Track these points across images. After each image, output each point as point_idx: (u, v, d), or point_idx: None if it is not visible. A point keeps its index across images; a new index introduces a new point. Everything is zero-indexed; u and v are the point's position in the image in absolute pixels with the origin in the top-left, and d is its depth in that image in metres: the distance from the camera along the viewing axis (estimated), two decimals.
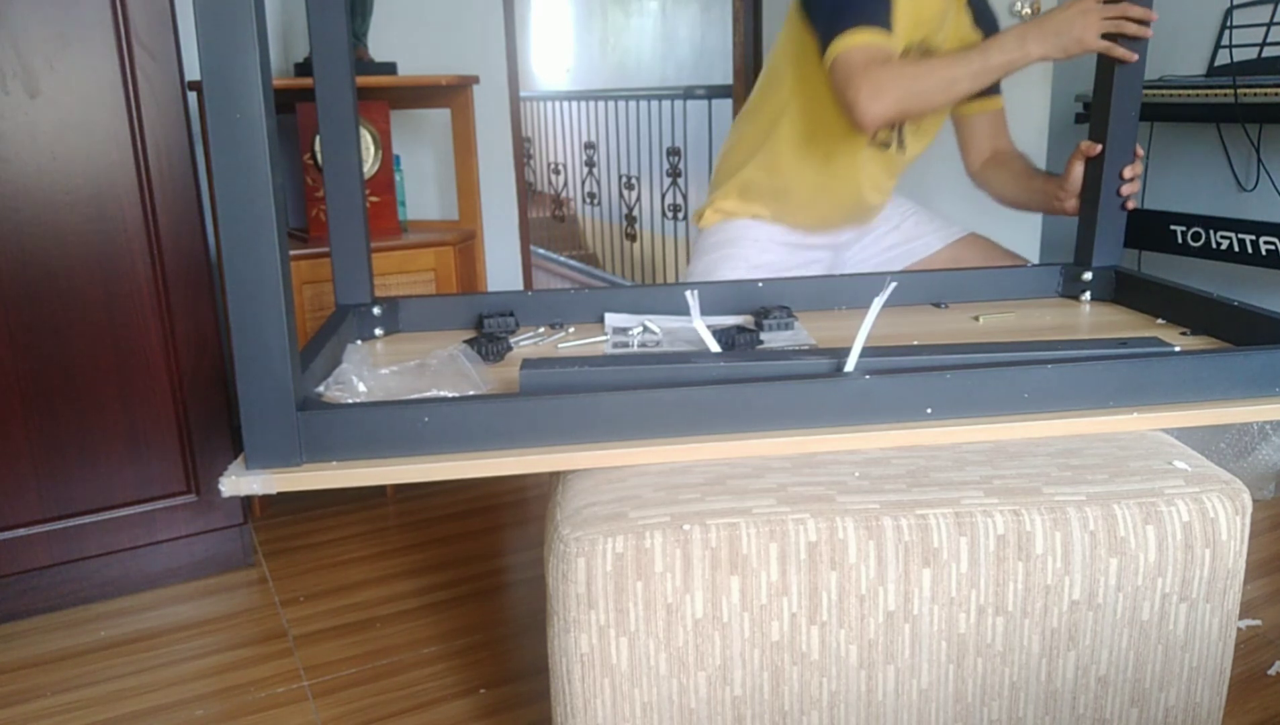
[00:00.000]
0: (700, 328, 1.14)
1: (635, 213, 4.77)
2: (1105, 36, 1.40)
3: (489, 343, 1.26)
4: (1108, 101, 1.43)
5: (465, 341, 1.23)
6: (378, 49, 2.25)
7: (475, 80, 2.09)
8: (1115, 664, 0.96)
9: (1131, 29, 1.39)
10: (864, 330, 1.03)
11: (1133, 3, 1.38)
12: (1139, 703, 0.98)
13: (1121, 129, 1.44)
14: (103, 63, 1.44)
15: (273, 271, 0.88)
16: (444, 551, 1.76)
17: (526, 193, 2.64)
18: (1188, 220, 2.19)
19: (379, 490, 2.01)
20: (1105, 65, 1.43)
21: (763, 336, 1.31)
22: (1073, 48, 1.44)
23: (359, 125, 1.37)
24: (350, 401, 1.05)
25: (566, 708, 0.95)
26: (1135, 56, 1.42)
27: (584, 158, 5.39)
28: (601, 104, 5.07)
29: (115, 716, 1.31)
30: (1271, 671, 1.33)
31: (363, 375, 1.11)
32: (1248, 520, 0.95)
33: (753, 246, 1.73)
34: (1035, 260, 2.13)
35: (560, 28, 6.72)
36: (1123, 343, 1.08)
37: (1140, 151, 1.46)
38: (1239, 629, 1.42)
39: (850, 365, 1.02)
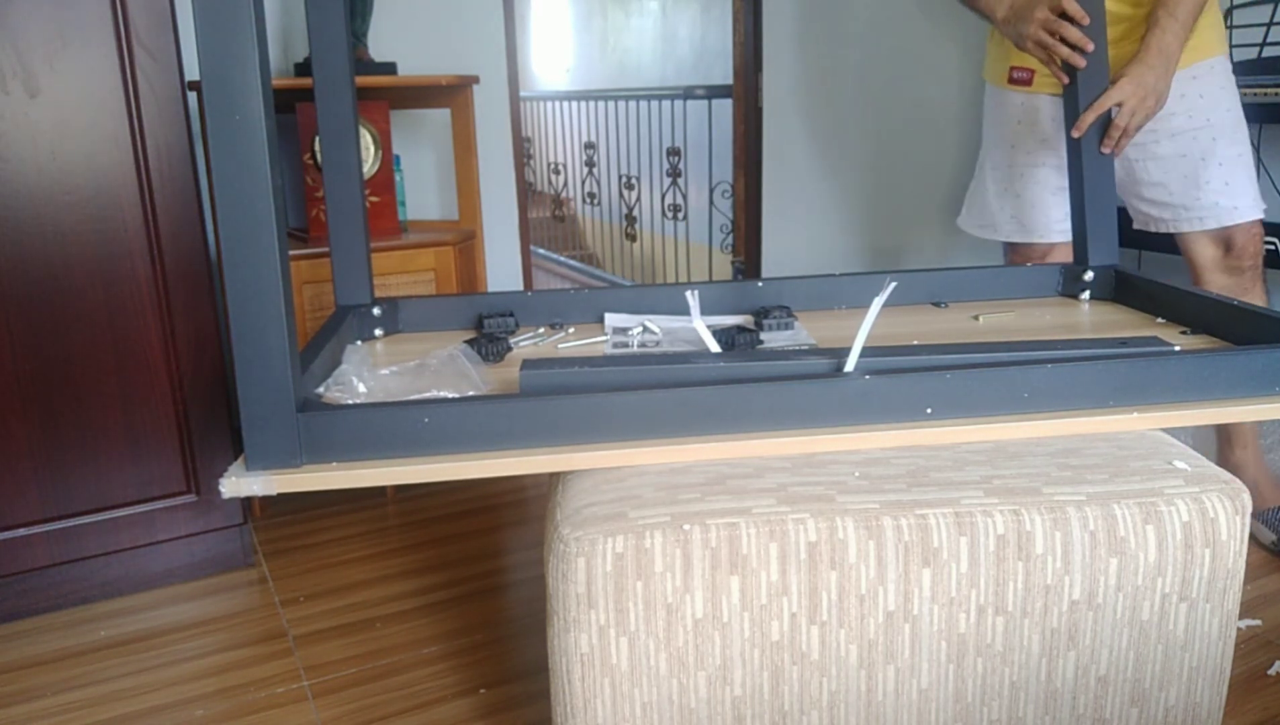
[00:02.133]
0: (700, 328, 1.14)
1: (635, 213, 4.77)
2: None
3: (489, 343, 1.26)
4: (1075, 105, 1.45)
5: (465, 342, 1.23)
6: (378, 49, 2.25)
7: (475, 80, 2.09)
8: (1115, 664, 0.96)
9: (1062, 51, 1.44)
10: (864, 330, 1.03)
11: (1085, 33, 1.41)
12: (1139, 703, 0.98)
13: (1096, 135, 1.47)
14: (103, 63, 1.44)
15: (273, 272, 0.88)
16: (444, 551, 1.76)
17: (526, 193, 2.64)
18: None
19: (379, 490, 2.01)
20: (1069, 70, 1.47)
21: (763, 336, 1.31)
22: (1013, 36, 1.51)
23: (359, 125, 1.37)
24: (350, 402, 1.06)
25: (566, 708, 0.95)
26: (1065, 78, 1.47)
27: (584, 158, 5.39)
28: (601, 104, 5.07)
29: (115, 716, 1.31)
30: (1271, 671, 1.33)
31: (363, 376, 1.11)
32: (1248, 520, 0.95)
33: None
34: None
35: (560, 28, 6.72)
36: (1123, 342, 1.08)
37: (1120, 101, 1.44)
38: (1239, 629, 1.42)
39: (850, 365, 1.02)
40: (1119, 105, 1.44)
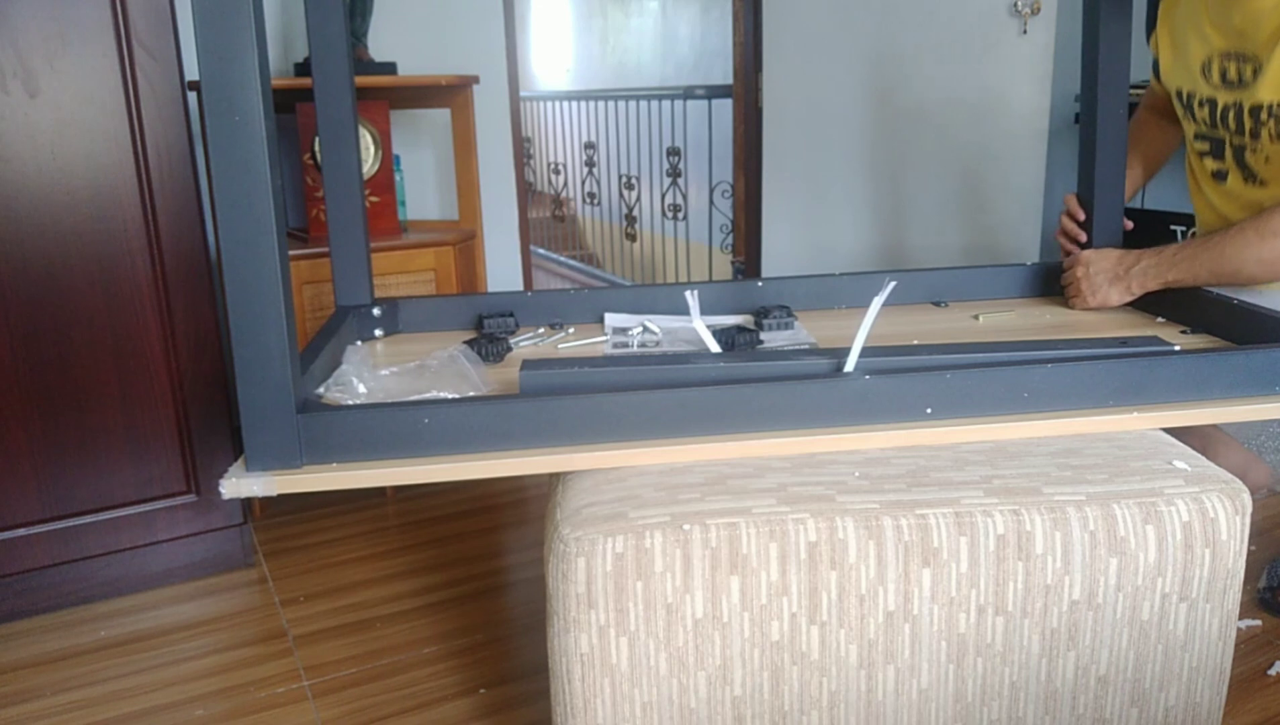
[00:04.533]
0: (700, 328, 1.14)
1: (635, 213, 4.77)
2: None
3: (489, 343, 1.26)
4: (1094, 103, 1.44)
5: (465, 342, 1.23)
6: (378, 49, 2.24)
7: (475, 80, 2.09)
8: (1115, 664, 0.96)
9: (1069, 226, 1.53)
10: (864, 330, 1.03)
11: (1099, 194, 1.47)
12: (1139, 703, 0.98)
13: (1110, 129, 1.45)
14: (103, 63, 1.44)
15: (272, 272, 0.88)
16: (444, 551, 1.76)
17: (526, 193, 2.64)
18: (1188, 220, 2.19)
19: (379, 491, 2.01)
20: (1089, 68, 1.44)
21: (763, 336, 1.31)
22: None
23: (359, 125, 1.37)
24: (350, 403, 1.06)
25: (566, 708, 0.95)
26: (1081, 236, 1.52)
27: (584, 158, 5.39)
28: (601, 104, 5.07)
29: (115, 716, 1.31)
30: (1271, 672, 1.33)
31: (363, 376, 1.11)
32: (1248, 520, 0.95)
33: None
34: (1035, 259, 2.13)
35: (560, 28, 6.72)
36: (1123, 342, 1.09)
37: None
38: (1239, 629, 1.42)
39: (850, 365, 1.02)
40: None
